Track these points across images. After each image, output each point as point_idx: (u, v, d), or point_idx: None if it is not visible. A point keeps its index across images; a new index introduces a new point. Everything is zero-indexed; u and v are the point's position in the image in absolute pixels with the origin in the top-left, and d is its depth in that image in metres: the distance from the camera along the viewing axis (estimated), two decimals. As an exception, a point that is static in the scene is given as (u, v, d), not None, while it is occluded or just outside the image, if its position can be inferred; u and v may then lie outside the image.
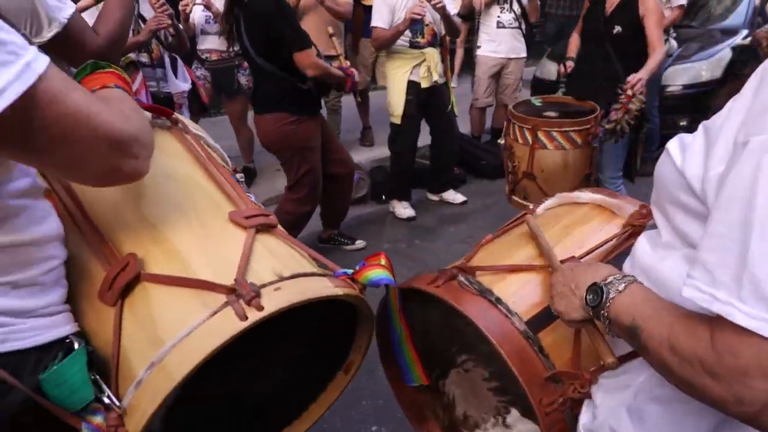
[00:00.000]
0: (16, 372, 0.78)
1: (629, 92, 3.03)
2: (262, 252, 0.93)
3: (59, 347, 0.84)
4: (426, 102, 3.94)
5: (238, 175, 1.37)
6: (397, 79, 3.88)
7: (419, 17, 3.57)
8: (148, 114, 1.18)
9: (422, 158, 4.89)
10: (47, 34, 1.21)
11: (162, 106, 3.24)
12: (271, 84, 3.02)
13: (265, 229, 0.99)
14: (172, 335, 0.82)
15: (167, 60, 3.38)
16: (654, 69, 3.14)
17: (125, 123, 0.79)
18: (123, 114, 0.80)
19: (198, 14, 4.17)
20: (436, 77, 3.86)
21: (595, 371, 0.89)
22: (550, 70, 5.75)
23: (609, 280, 0.79)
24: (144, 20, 3.23)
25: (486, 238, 1.44)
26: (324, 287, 0.93)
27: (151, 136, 0.86)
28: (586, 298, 0.81)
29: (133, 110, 0.87)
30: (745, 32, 5.43)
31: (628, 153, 3.34)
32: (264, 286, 0.86)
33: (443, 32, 3.91)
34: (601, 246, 1.16)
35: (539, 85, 5.64)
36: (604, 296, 0.78)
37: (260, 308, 0.81)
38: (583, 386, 0.90)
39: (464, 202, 4.37)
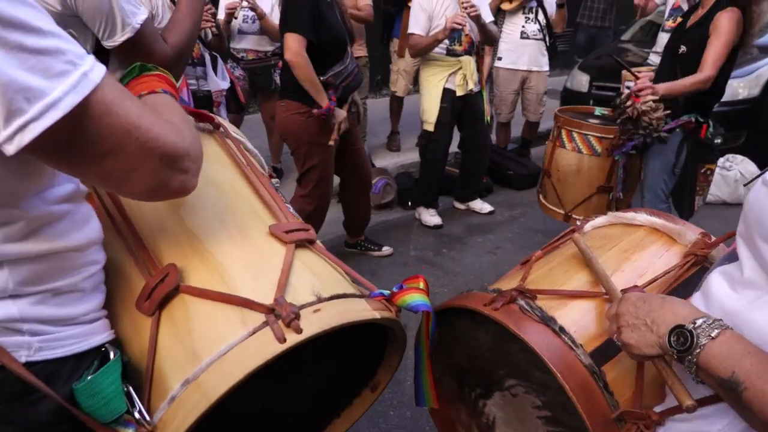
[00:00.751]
0: (51, 380, 0.77)
1: (635, 91, 2.77)
2: (301, 269, 0.91)
3: (95, 355, 0.84)
4: (460, 110, 3.89)
5: (274, 181, 1.36)
6: (433, 86, 3.85)
7: (460, 27, 3.53)
8: (191, 118, 1.18)
9: (450, 166, 4.87)
10: (119, 39, 1.21)
11: (202, 103, 3.27)
12: (289, 71, 2.93)
13: (304, 244, 0.97)
14: (209, 352, 0.80)
15: (208, 58, 3.39)
16: (677, 91, 2.77)
17: (177, 136, 0.77)
18: (175, 127, 0.78)
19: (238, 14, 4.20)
20: (471, 86, 3.82)
21: (665, 413, 0.85)
22: (580, 81, 5.70)
23: (698, 323, 0.74)
24: None
25: (536, 255, 1.41)
26: (363, 310, 0.90)
27: (201, 150, 0.84)
28: (669, 339, 0.77)
29: (183, 121, 0.85)
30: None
31: (683, 179, 2.98)
32: (303, 306, 0.84)
33: (479, 40, 3.87)
34: (662, 276, 1.12)
35: (569, 97, 5.59)
36: (694, 342, 0.73)
37: (299, 331, 0.80)
38: (649, 427, 0.86)
39: (491, 212, 4.33)
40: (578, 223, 1.64)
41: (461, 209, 4.42)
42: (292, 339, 0.79)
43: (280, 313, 0.81)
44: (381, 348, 1.10)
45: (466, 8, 3.51)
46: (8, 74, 0.60)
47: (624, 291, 1.09)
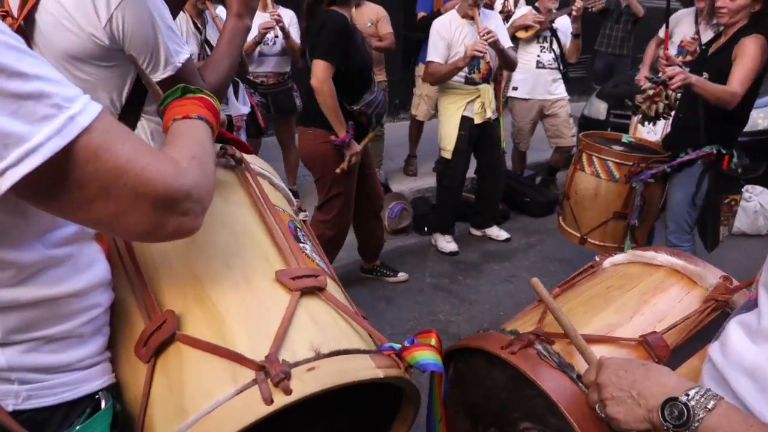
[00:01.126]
0: (39, 429, 0.75)
1: (665, 72, 2.69)
2: (304, 320, 0.88)
3: (89, 402, 0.81)
4: (477, 138, 3.90)
5: (302, 215, 1.36)
6: (451, 114, 3.86)
7: (480, 55, 3.55)
8: (211, 154, 1.17)
9: (466, 192, 4.87)
10: (161, 76, 1.23)
11: (222, 128, 3.31)
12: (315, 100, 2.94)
13: (313, 291, 0.94)
14: (196, 408, 0.79)
15: (230, 84, 3.45)
16: (710, 92, 2.66)
17: (177, 177, 0.73)
18: (176, 166, 0.75)
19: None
20: (489, 113, 3.82)
21: None
22: (598, 109, 5.69)
23: (692, 395, 0.71)
24: (209, 44, 3.30)
25: (554, 292, 1.40)
26: (364, 369, 0.86)
27: (209, 188, 0.81)
28: (662, 413, 0.74)
29: (194, 158, 0.81)
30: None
31: (705, 210, 2.93)
32: (297, 364, 0.81)
33: (497, 66, 3.88)
34: (682, 322, 1.10)
35: (587, 124, 5.57)
36: (692, 415, 0.70)
37: (288, 392, 0.77)
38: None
39: (507, 240, 4.31)
40: (597, 258, 1.63)
41: (477, 236, 4.40)
42: (280, 401, 0.76)
43: (270, 372, 0.78)
44: (397, 400, 1.07)
45: (484, 36, 3.52)
46: None
47: (643, 337, 1.08)
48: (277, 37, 4.18)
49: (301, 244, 1.06)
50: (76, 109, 0.65)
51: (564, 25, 4.76)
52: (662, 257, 1.32)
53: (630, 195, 3.02)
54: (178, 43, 1.26)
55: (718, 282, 1.17)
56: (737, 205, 2.92)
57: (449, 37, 3.72)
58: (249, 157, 1.22)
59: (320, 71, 2.78)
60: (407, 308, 3.37)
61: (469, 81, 3.79)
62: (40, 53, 1.21)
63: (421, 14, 4.98)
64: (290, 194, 1.27)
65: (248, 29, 1.49)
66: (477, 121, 3.81)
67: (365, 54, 3.07)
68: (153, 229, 0.73)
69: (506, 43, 3.83)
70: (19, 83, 0.61)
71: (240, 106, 3.47)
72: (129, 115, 1.34)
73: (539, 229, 4.53)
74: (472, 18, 3.69)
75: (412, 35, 5.28)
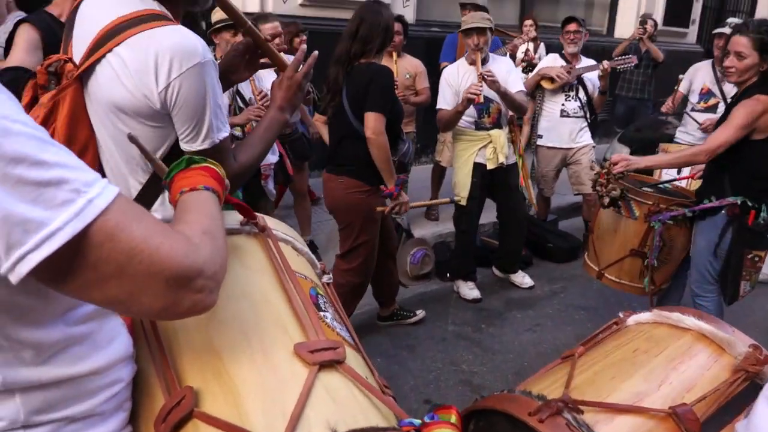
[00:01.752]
0: None
1: (605, 170, 2.85)
2: (321, 396, 0.88)
3: None
4: (492, 183, 3.91)
5: (326, 277, 1.37)
6: (463, 160, 3.89)
7: (474, 97, 3.53)
8: (237, 219, 1.19)
9: (489, 236, 4.87)
10: (197, 147, 1.27)
11: (248, 180, 3.40)
12: (357, 148, 2.96)
13: (332, 364, 0.94)
14: None
15: None
16: (664, 164, 2.91)
17: (190, 255, 0.74)
18: (190, 244, 0.76)
19: None
20: (502, 159, 3.81)
21: None
22: (620, 153, 5.69)
23: None
24: (241, 96, 3.42)
25: (578, 351, 1.39)
26: None
27: (222, 262, 0.82)
28: None
29: (206, 233, 0.82)
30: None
31: (728, 262, 2.86)
32: None
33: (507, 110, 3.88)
34: (712, 393, 1.09)
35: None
36: None
37: None
38: None
39: (531, 287, 4.28)
40: (621, 315, 1.62)
41: (501, 280, 4.36)
42: None
43: None
44: None
45: (481, 78, 3.54)
46: (8, 209, 0.61)
47: (673, 409, 1.07)
48: None
49: (322, 312, 1.07)
50: (94, 193, 0.67)
51: (591, 73, 4.77)
52: (689, 320, 1.31)
53: (648, 234, 3.00)
54: (222, 122, 1.30)
55: (747, 351, 1.16)
56: (761, 262, 2.86)
57: (456, 84, 3.78)
58: (271, 222, 1.24)
59: (377, 124, 2.85)
60: (430, 357, 3.35)
61: (479, 126, 3.82)
62: (90, 101, 1.27)
63: (444, 64, 5.09)
64: (313, 257, 1.29)
65: (287, 123, 1.53)
66: (490, 166, 3.81)
67: (400, 104, 3.16)
68: (167, 307, 0.74)
69: (515, 87, 3.78)
70: (40, 171, 0.64)
71: (269, 155, 3.57)
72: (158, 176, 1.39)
73: (563, 276, 4.49)
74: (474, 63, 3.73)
75: (436, 84, 5.38)
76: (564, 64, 4.70)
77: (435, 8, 6.65)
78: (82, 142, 1.30)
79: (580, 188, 4.85)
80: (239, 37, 3.28)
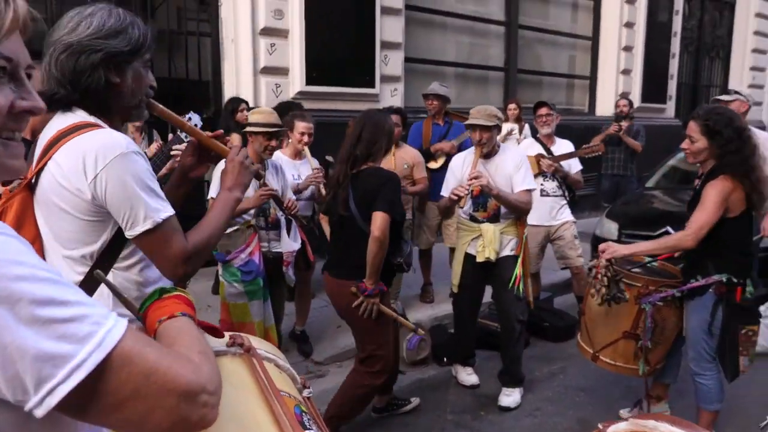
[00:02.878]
0: None
1: (601, 262, 2.95)
2: None
3: None
4: (486, 274, 3.80)
5: (306, 392, 1.39)
6: (458, 249, 3.89)
7: (456, 198, 3.48)
8: (223, 341, 1.22)
9: (486, 318, 4.83)
10: (139, 229, 1.38)
11: (271, 264, 3.55)
12: (364, 252, 2.93)
13: None
14: None
15: (283, 222, 3.65)
16: (660, 249, 2.99)
17: (195, 373, 0.80)
18: (191, 362, 0.82)
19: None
20: (489, 254, 3.63)
21: None
22: (609, 229, 5.79)
23: None
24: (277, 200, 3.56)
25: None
26: None
27: (219, 379, 0.87)
28: None
29: (201, 351, 0.88)
30: None
31: (723, 339, 2.87)
32: None
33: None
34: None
35: (598, 244, 5.64)
36: None
37: None
38: None
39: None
40: (600, 426, 1.63)
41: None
42: None
43: None
44: None
45: (470, 179, 3.45)
46: (40, 347, 0.68)
47: None
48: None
49: (307, 431, 1.10)
50: (111, 324, 0.74)
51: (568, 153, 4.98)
52: (664, 427, 1.34)
53: (639, 316, 3.02)
54: (161, 203, 1.41)
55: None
56: (756, 335, 2.88)
57: (460, 173, 3.75)
58: (255, 342, 1.28)
59: (384, 223, 2.88)
60: (430, 449, 3.27)
61: (473, 218, 3.79)
62: (37, 203, 1.46)
63: None
64: (294, 373, 1.31)
65: (239, 201, 1.66)
66: (478, 259, 3.69)
67: (403, 208, 3.24)
68: (178, 422, 0.78)
69: (520, 184, 3.64)
70: (65, 310, 0.71)
71: (291, 242, 3.67)
72: (101, 265, 1.45)
73: (561, 355, 4.45)
74: (483, 157, 3.67)
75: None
76: (540, 147, 4.93)
77: (420, 95, 6.93)
78: (29, 241, 1.42)
79: (567, 262, 4.94)
80: (274, 141, 3.50)
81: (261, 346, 1.33)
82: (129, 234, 1.42)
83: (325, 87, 6.23)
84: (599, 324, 3.18)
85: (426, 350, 4.42)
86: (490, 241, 3.66)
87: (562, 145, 5.00)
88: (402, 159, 4.71)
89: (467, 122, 3.70)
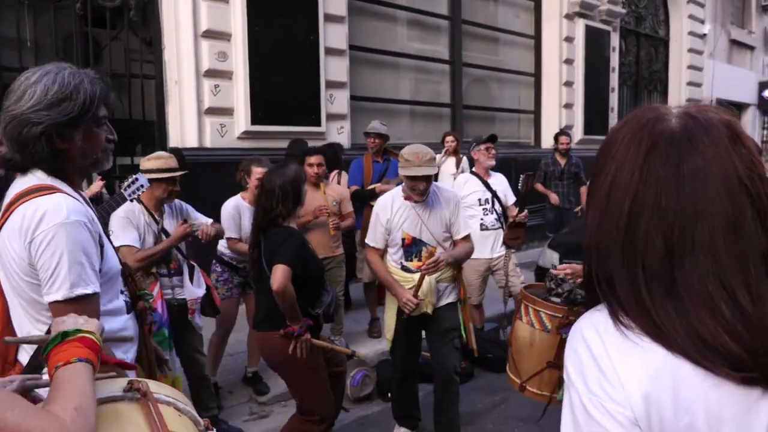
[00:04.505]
0: None
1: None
2: None
3: None
4: (420, 325, 3.55)
5: None
6: (390, 300, 3.54)
7: (407, 310, 3.29)
8: (120, 385, 1.23)
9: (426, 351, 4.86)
10: (52, 297, 1.44)
11: (176, 312, 3.46)
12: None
13: None
14: None
15: (186, 268, 3.61)
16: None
17: (60, 431, 0.83)
18: (62, 425, 0.84)
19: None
20: (425, 308, 3.37)
21: None
22: (551, 258, 5.94)
23: None
24: (167, 234, 3.51)
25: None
26: None
27: None
28: None
29: (77, 408, 0.90)
30: None
31: None
32: None
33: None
34: None
35: (542, 274, 5.78)
36: None
37: None
38: None
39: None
40: None
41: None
42: None
43: None
44: None
45: (425, 272, 3.26)
46: None
47: None
48: None
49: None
50: None
51: (503, 186, 5.16)
52: None
53: (562, 346, 3.11)
54: (85, 280, 1.44)
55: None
56: None
57: (387, 221, 3.44)
58: (154, 386, 1.30)
59: (283, 275, 2.83)
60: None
61: (405, 268, 3.44)
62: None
63: (353, 188, 5.37)
64: (196, 416, 1.34)
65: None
66: (414, 313, 3.36)
67: (319, 261, 3.25)
68: None
69: (460, 233, 3.49)
70: None
71: (194, 289, 3.60)
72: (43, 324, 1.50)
73: (503, 386, 4.45)
74: (416, 202, 3.38)
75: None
76: (478, 181, 5.07)
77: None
78: None
79: (511, 289, 5.06)
80: (177, 186, 3.50)
81: (161, 390, 1.34)
82: (45, 300, 1.46)
83: (271, 126, 6.30)
84: (525, 355, 3.25)
85: (370, 386, 4.43)
86: (426, 294, 3.34)
87: (497, 179, 5.16)
88: (331, 197, 4.75)
89: (410, 174, 3.28)
